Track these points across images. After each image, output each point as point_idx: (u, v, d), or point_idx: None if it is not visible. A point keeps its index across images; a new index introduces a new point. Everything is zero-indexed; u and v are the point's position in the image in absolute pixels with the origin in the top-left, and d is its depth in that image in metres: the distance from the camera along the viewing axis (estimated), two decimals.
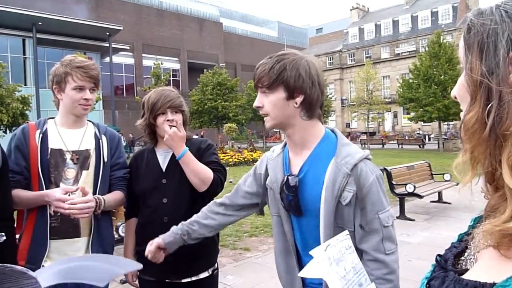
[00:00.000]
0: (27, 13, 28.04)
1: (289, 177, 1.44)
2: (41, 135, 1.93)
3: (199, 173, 1.94)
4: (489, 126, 0.57)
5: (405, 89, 27.74)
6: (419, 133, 36.49)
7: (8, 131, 21.89)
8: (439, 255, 0.72)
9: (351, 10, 54.84)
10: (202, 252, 2.03)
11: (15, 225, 1.89)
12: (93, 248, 1.94)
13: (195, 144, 2.09)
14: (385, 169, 7.00)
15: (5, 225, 1.77)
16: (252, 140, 31.19)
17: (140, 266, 1.44)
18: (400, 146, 30.63)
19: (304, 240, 1.49)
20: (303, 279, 1.51)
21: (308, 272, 0.93)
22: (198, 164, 1.95)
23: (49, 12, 29.71)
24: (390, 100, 41.99)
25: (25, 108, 22.20)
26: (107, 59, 34.25)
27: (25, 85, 28.40)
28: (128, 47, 37.51)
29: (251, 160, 17.89)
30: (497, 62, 0.57)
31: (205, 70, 35.33)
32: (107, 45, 33.06)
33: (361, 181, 1.34)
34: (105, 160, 2.02)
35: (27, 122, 2.02)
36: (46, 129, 1.98)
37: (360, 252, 1.33)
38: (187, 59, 46.33)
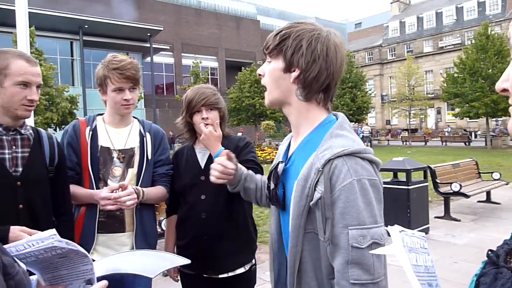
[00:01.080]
0: (75, 17, 29.44)
1: (279, 164, 1.31)
2: (91, 132, 2.00)
3: None
4: None
5: (450, 84, 26.61)
6: (465, 130, 34.90)
7: (58, 129, 23.12)
8: (490, 250, 0.66)
9: (391, 3, 53.28)
10: (240, 248, 2.05)
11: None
12: (137, 242, 2.00)
13: (233, 142, 2.11)
14: (428, 167, 6.76)
15: (63, 219, 1.88)
16: None
17: (187, 261, 1.50)
18: (444, 143, 29.45)
19: (286, 238, 1.26)
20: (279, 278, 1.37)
21: (381, 249, 0.88)
22: None
23: (94, 15, 31.00)
24: (433, 95, 40.40)
25: (73, 107, 23.37)
26: (148, 59, 35.30)
27: (73, 85, 29.78)
28: (168, 47, 38.44)
29: None
30: None
31: (242, 68, 35.57)
32: (148, 45, 34.09)
33: (332, 181, 1.07)
34: (149, 157, 2.06)
35: (77, 118, 2.09)
36: (96, 126, 2.04)
37: None
38: (225, 58, 46.78)
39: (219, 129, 1.99)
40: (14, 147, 1.69)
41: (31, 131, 1.80)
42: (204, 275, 2.05)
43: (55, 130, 23.00)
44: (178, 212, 2.15)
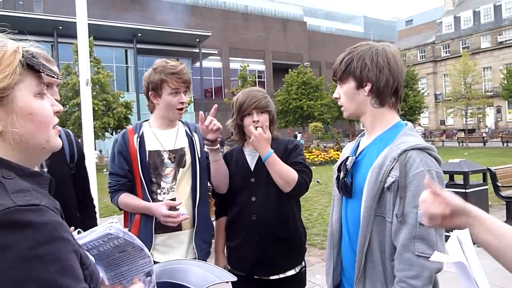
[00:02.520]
0: (129, 26, 30.95)
1: (349, 157, 1.50)
2: (138, 138, 2.05)
3: (283, 174, 1.96)
4: None
5: (511, 80, 24.89)
6: None
7: (114, 133, 24.36)
8: None
9: None
10: (290, 250, 2.05)
11: (125, 217, 2.09)
12: (196, 240, 2.05)
13: (282, 144, 2.11)
14: (488, 169, 6.36)
15: (86, 211, 1.98)
16: (338, 139, 30.55)
17: (234, 278, 1.52)
18: (505, 144, 27.50)
19: (347, 225, 1.50)
20: (340, 265, 1.55)
21: (443, 256, 0.87)
22: (282, 166, 1.96)
23: (147, 23, 32.39)
24: (492, 93, 37.96)
25: (128, 112, 24.55)
26: (198, 64, 36.31)
27: (127, 91, 31.33)
28: (216, 52, 39.29)
29: (337, 159, 17.45)
30: None
31: (289, 70, 35.52)
32: (197, 50, 35.08)
33: (406, 168, 1.27)
34: (199, 156, 2.11)
35: (126, 127, 2.18)
36: (143, 132, 2.09)
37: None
38: (272, 60, 46.98)
39: (269, 132, 2.01)
40: None
41: None
42: (255, 277, 2.06)
43: (111, 134, 24.25)
44: (228, 214, 2.18)
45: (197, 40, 34.77)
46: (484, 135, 30.87)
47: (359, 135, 1.64)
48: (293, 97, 32.68)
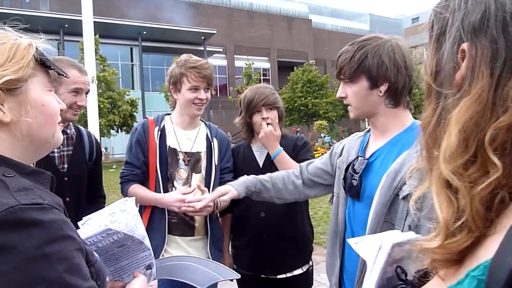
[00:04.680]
0: (134, 24, 31.00)
1: (359, 158, 1.40)
2: (159, 132, 1.99)
3: None
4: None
5: None
6: None
7: (119, 130, 24.41)
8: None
9: None
10: (298, 249, 2.04)
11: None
12: (211, 249, 2.00)
13: (291, 141, 2.10)
14: None
15: (98, 201, 2.06)
16: (343, 137, 30.43)
17: (237, 276, 1.51)
18: None
19: (351, 226, 1.43)
20: (341, 265, 1.48)
21: (359, 245, 0.87)
22: (291, 163, 1.95)
23: (152, 21, 32.43)
24: None
25: (133, 110, 24.62)
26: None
27: (133, 89, 31.35)
28: (221, 49, 39.27)
29: None
30: (440, 58, 0.53)
31: (294, 67, 35.43)
32: (202, 48, 35.05)
33: None
34: (216, 163, 2.04)
35: (146, 117, 2.11)
36: (164, 126, 2.03)
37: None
38: (277, 58, 46.82)
39: (279, 129, 2.00)
40: (61, 146, 1.84)
41: (73, 130, 1.95)
42: (262, 276, 2.04)
43: (117, 131, 24.33)
44: (234, 210, 2.15)
45: (202, 38, 34.76)
46: None
47: (362, 132, 1.54)
48: (298, 95, 32.59)
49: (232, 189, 1.63)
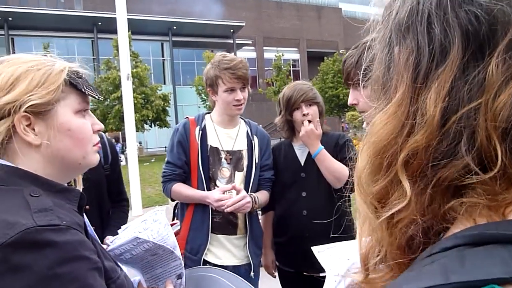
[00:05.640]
0: (164, 19, 31.47)
1: None
2: (200, 131, 1.99)
3: (334, 171, 1.92)
4: None
5: None
6: None
7: (153, 125, 24.94)
8: None
9: None
10: None
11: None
12: (250, 247, 2.00)
13: (333, 138, 2.07)
14: None
15: (121, 204, 2.05)
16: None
17: None
18: None
19: None
20: None
21: (322, 254, 0.84)
22: (333, 162, 1.93)
23: (182, 16, 32.81)
24: None
25: (165, 104, 25.08)
26: (232, 54, 36.36)
27: (164, 83, 31.94)
28: (250, 42, 39.24)
29: None
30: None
31: (325, 58, 34.93)
32: (231, 41, 35.20)
33: None
34: (256, 161, 2.04)
35: (187, 117, 2.11)
36: (205, 125, 2.03)
37: None
38: (306, 49, 46.28)
39: (320, 128, 1.97)
40: None
41: None
42: (304, 273, 2.03)
43: (150, 126, 24.90)
44: (276, 209, 2.15)
45: (231, 30, 34.87)
46: None
47: None
48: (329, 86, 32.13)
49: None
